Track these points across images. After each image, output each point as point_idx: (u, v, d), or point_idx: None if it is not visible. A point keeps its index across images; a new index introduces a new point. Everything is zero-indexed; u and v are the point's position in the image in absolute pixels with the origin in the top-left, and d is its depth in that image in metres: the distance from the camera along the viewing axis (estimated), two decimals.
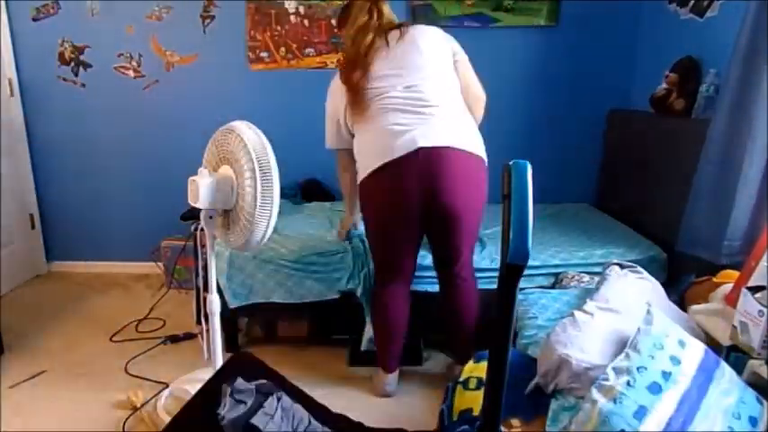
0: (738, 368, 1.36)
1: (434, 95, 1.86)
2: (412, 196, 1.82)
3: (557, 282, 2.24)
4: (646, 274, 1.80)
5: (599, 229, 2.60)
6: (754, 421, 1.22)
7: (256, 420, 1.40)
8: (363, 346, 2.28)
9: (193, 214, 2.18)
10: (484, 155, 1.90)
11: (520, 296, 1.95)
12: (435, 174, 1.79)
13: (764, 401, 1.29)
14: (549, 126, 3.13)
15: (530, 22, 2.97)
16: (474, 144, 1.87)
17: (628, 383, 1.21)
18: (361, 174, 1.90)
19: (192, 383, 1.86)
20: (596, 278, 1.99)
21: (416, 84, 1.86)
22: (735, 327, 1.44)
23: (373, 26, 1.92)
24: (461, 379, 1.59)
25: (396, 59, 1.89)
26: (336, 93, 1.98)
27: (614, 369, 1.25)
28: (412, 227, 1.92)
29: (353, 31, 1.94)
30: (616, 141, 3.00)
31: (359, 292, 2.23)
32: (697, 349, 1.33)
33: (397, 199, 1.85)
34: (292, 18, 3.02)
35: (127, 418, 1.95)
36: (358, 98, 1.89)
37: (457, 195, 1.82)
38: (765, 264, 1.51)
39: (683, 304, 1.81)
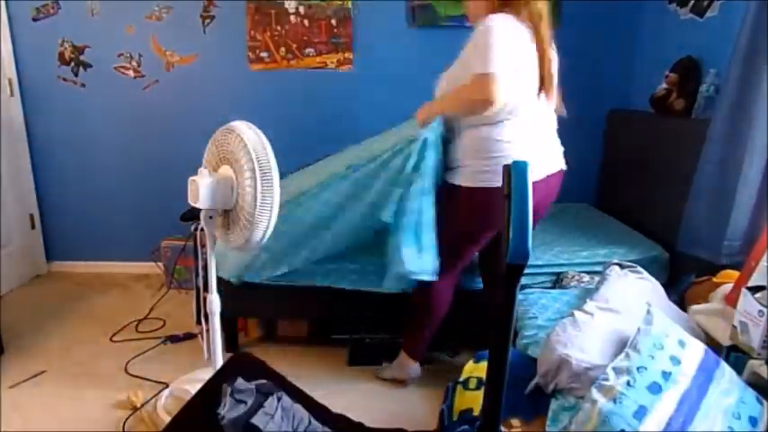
0: (738, 368, 1.37)
1: (554, 113, 1.86)
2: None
3: (557, 281, 2.24)
4: (646, 273, 1.80)
5: (600, 229, 2.60)
6: (754, 421, 1.22)
7: (256, 420, 1.40)
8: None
9: (193, 214, 2.18)
10: None
11: (520, 296, 1.95)
12: (549, 196, 1.85)
13: (764, 401, 1.29)
14: None
15: None
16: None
17: (628, 383, 1.21)
18: (495, 181, 1.69)
19: (192, 383, 1.86)
20: (596, 278, 1.99)
21: (551, 98, 1.79)
22: (735, 327, 1.44)
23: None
24: (461, 379, 1.59)
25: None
26: (518, 33, 1.66)
27: (614, 369, 1.26)
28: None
29: None
30: (616, 141, 3.00)
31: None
32: (697, 349, 1.33)
33: None
34: (292, 18, 3.02)
35: (127, 418, 1.95)
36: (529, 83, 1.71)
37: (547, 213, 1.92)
38: (765, 264, 1.52)
39: (683, 304, 1.81)
